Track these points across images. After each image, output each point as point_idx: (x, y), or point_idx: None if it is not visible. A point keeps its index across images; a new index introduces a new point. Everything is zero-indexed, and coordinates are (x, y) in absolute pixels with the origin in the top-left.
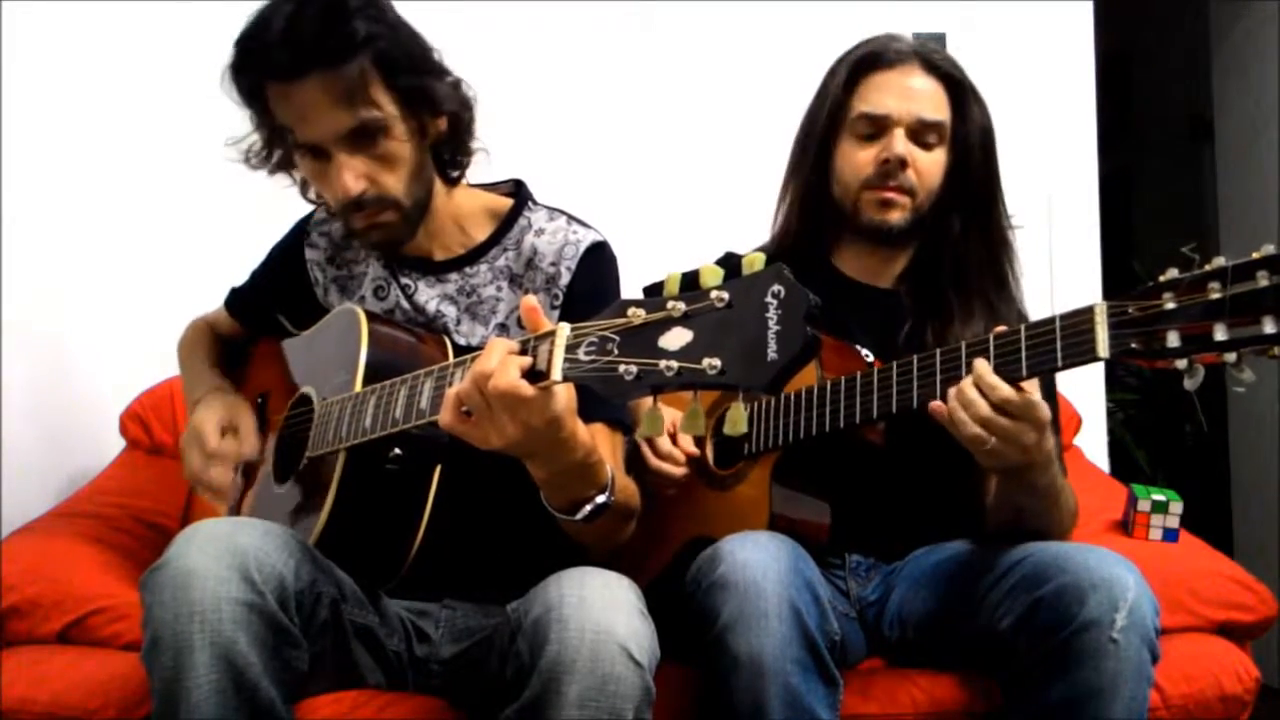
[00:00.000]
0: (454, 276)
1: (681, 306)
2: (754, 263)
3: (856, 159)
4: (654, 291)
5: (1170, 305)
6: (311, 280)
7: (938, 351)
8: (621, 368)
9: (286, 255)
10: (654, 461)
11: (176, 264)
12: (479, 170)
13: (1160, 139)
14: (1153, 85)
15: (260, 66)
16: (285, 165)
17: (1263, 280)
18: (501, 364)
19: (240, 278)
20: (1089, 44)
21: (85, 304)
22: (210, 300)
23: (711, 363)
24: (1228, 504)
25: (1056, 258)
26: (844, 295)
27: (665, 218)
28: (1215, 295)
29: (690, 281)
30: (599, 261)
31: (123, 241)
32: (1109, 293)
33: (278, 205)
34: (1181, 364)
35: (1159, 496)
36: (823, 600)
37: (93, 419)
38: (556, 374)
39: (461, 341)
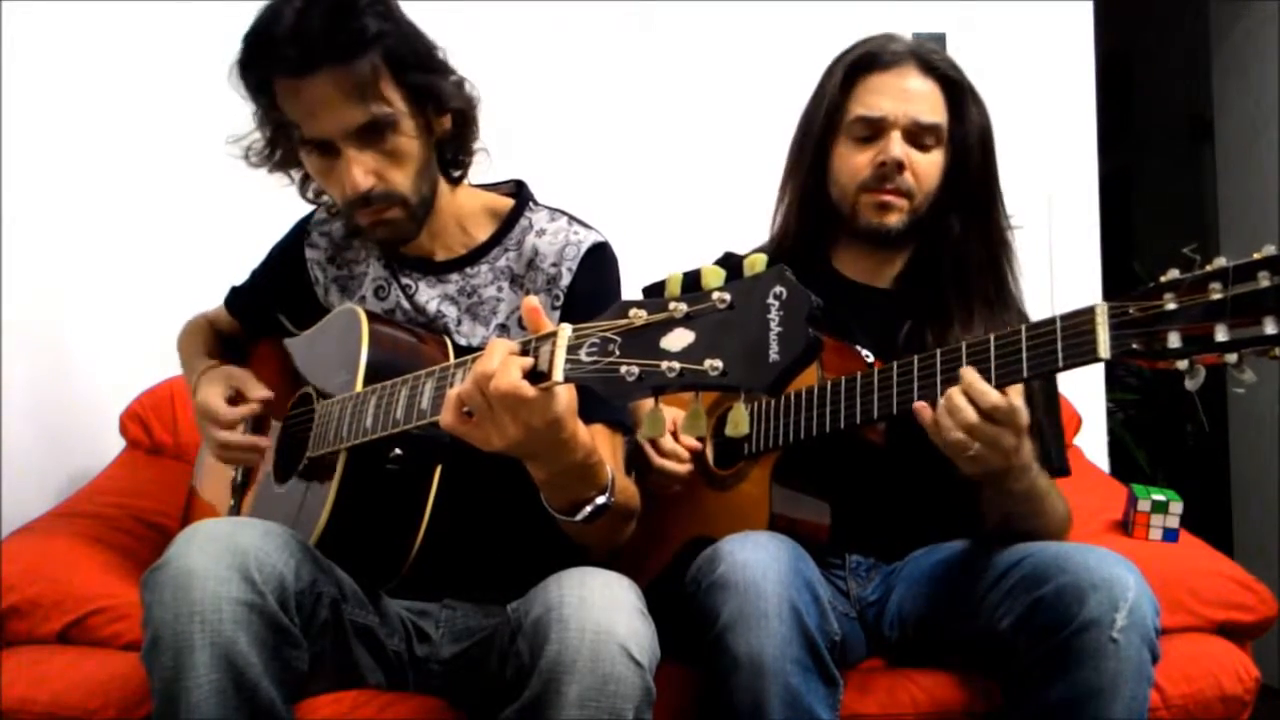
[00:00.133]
0: (455, 277)
1: (683, 308)
2: (755, 264)
3: (853, 162)
4: (653, 292)
5: (1171, 306)
6: (312, 280)
7: (938, 352)
8: (623, 369)
9: (287, 255)
10: (658, 460)
11: (176, 263)
12: (479, 170)
13: (1160, 139)
14: (1153, 85)
15: (269, 61)
16: (286, 163)
17: (1264, 281)
18: (503, 365)
19: (240, 277)
20: (1089, 44)
21: (85, 304)
22: (210, 300)
23: (713, 364)
24: (1228, 504)
25: (1056, 258)
26: (844, 296)
27: (665, 218)
28: (1216, 296)
29: (692, 282)
30: (600, 262)
31: (123, 241)
32: (1109, 293)
33: (278, 205)
34: (1182, 365)
35: (1159, 496)
36: (822, 600)
37: (93, 419)
38: (558, 375)
39: (462, 342)
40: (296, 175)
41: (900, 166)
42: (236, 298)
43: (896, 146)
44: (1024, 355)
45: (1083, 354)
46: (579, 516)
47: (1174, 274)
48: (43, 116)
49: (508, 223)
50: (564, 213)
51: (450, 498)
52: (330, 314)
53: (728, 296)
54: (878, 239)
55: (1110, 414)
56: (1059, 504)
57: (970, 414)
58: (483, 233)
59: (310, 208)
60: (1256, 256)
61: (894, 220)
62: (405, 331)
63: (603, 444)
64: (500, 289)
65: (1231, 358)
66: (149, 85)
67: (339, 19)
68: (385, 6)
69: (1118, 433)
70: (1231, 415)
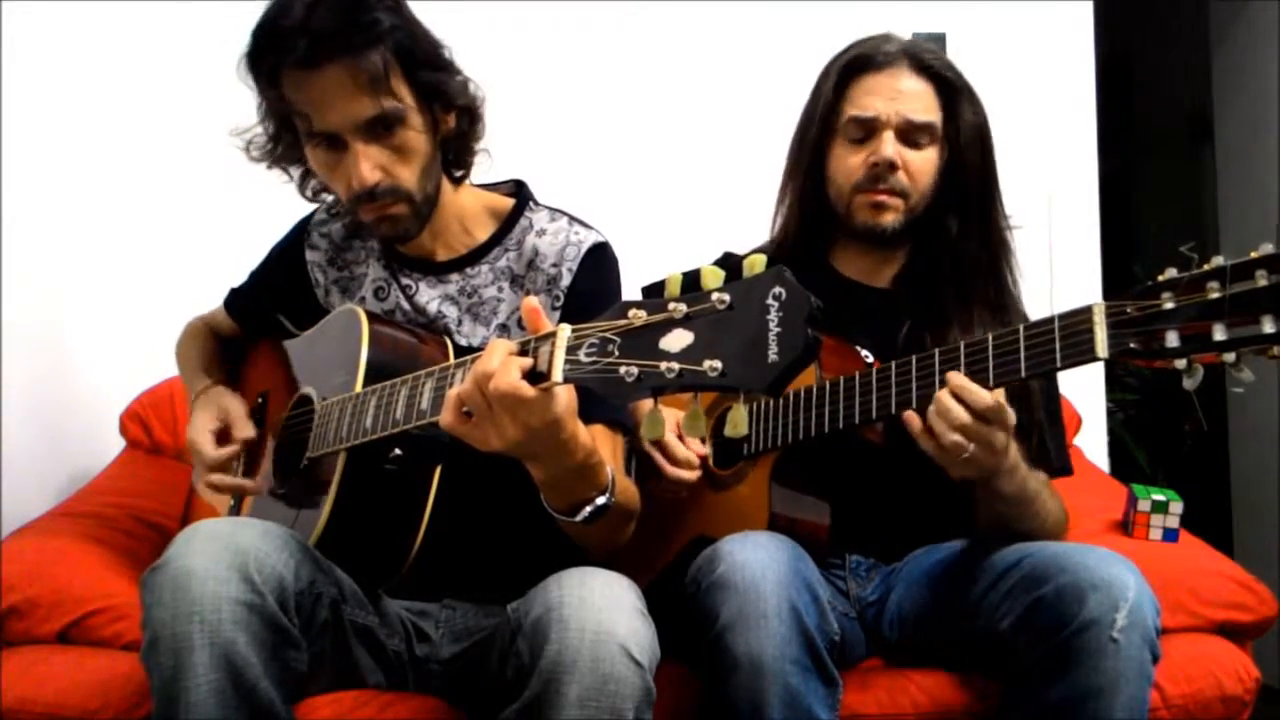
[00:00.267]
0: (455, 277)
1: (683, 308)
2: (755, 265)
3: (848, 162)
4: (653, 292)
5: (1169, 305)
6: (312, 281)
7: (936, 351)
8: (622, 369)
9: (286, 256)
10: (670, 470)
11: (176, 264)
12: (480, 170)
13: (1160, 139)
14: (1153, 85)
15: (279, 53)
16: (286, 158)
17: (1261, 280)
18: (502, 365)
19: (240, 278)
20: (1089, 44)
21: (85, 304)
22: (210, 300)
23: (712, 364)
24: (1228, 504)
25: (1056, 258)
26: (843, 296)
27: (665, 218)
28: (1214, 295)
29: (691, 283)
30: (600, 262)
31: (122, 241)
32: (1109, 293)
33: (278, 205)
34: (1181, 364)
35: (1159, 496)
36: (822, 600)
37: (93, 419)
38: (557, 375)
39: (462, 342)
40: (296, 172)
41: (893, 166)
42: (236, 299)
43: (889, 146)
44: (1022, 355)
45: (1081, 353)
46: (579, 517)
47: (1172, 273)
48: (43, 116)
49: (508, 223)
50: (564, 213)
51: (450, 498)
52: (330, 314)
53: (727, 297)
54: (874, 239)
55: (1110, 414)
56: (1052, 505)
57: (963, 415)
58: (483, 233)
59: (310, 209)
60: (1254, 255)
61: (889, 220)
62: (405, 332)
63: (603, 444)
64: (500, 289)
65: (1230, 357)
66: (149, 85)
67: (350, 12)
68: (395, 1)
69: (1118, 433)
70: (1231, 415)
